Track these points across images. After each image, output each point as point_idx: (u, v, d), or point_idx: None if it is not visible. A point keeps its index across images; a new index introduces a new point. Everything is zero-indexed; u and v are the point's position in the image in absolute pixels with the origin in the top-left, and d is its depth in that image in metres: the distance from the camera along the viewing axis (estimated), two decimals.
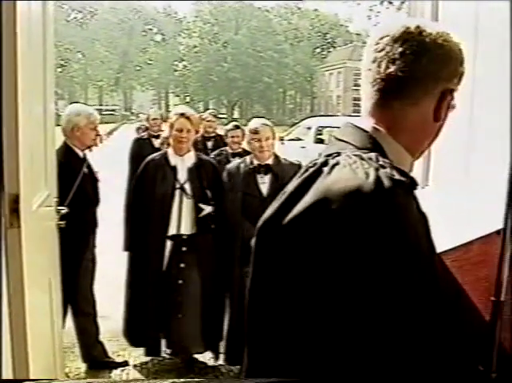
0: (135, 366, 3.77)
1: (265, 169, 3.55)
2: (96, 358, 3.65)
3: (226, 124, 5.62)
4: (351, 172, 0.97)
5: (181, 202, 3.51)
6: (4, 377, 1.58)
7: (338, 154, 1.03)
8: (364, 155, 1.01)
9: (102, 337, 3.74)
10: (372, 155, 1.01)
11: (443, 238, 2.24)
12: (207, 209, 3.53)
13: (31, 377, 1.96)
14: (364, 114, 1.13)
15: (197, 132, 3.69)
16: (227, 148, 5.07)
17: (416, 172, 2.79)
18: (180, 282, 3.52)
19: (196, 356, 3.80)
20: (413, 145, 1.10)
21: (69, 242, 2.90)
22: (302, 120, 20.58)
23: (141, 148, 5.73)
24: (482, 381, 0.95)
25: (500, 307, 0.89)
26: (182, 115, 3.54)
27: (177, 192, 3.51)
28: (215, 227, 3.57)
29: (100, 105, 68.01)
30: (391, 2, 25.24)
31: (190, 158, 3.62)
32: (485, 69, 1.96)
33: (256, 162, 3.57)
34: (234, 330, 3.50)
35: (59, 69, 53.70)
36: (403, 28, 1.06)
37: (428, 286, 0.94)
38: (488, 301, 1.16)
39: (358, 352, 0.90)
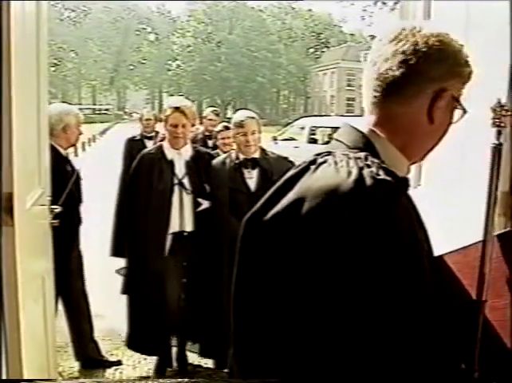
0: (128, 365, 3.77)
1: (252, 164, 3.41)
2: (90, 357, 3.64)
3: (220, 122, 5.51)
4: (334, 171, 0.99)
5: (181, 198, 3.38)
6: None
7: (329, 153, 1.04)
8: (353, 155, 1.02)
9: (96, 336, 3.74)
10: (362, 154, 1.01)
11: (434, 238, 2.26)
12: (205, 204, 3.41)
13: (24, 377, 1.95)
14: (365, 115, 1.14)
15: (193, 125, 3.52)
16: (217, 150, 4.81)
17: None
18: (184, 280, 3.44)
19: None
20: (408, 147, 1.09)
21: (56, 241, 2.90)
22: (296, 119, 20.58)
23: (134, 149, 5.70)
24: (465, 379, 0.96)
25: (482, 307, 0.91)
26: (176, 109, 3.35)
27: (176, 188, 3.38)
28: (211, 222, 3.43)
29: (94, 105, 67.97)
30: (384, 3, 25.34)
31: (187, 151, 3.48)
32: (477, 68, 1.97)
33: (242, 156, 3.42)
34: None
35: (52, 68, 53.52)
36: (398, 29, 1.07)
37: (408, 286, 0.94)
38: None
39: (340, 347, 0.91)
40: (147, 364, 3.73)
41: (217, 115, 6.17)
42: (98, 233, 5.17)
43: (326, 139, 14.85)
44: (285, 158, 3.54)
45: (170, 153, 3.43)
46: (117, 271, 4.29)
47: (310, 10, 74.26)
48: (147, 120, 6.22)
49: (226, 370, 3.34)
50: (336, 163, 1.00)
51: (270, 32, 70.11)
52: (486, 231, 0.95)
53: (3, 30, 1.73)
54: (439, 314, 0.98)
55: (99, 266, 3.92)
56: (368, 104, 1.12)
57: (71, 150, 3.74)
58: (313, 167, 1.03)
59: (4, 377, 1.78)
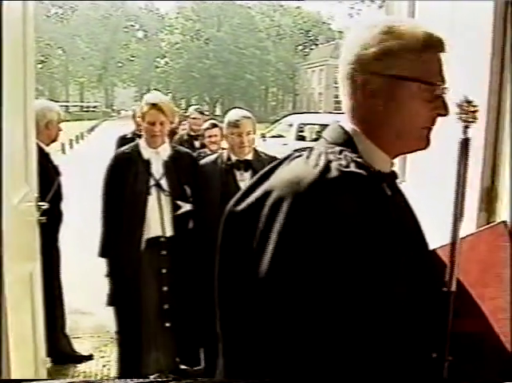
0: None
1: (245, 165, 3.22)
2: (62, 352, 3.62)
3: (205, 121, 5.42)
4: (303, 163, 1.03)
5: (158, 200, 3.12)
6: None
7: (311, 149, 1.08)
8: (329, 150, 1.05)
9: (83, 333, 3.73)
10: (337, 149, 1.05)
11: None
12: (185, 207, 3.16)
13: (12, 373, 1.96)
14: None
15: (171, 122, 3.24)
16: (205, 149, 4.63)
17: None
18: (165, 289, 3.17)
19: None
20: (379, 139, 1.10)
21: (42, 237, 2.90)
22: (284, 117, 20.62)
23: None
24: (436, 367, 0.97)
25: (450, 297, 0.92)
26: (153, 106, 3.09)
27: (153, 190, 3.12)
28: (195, 226, 3.21)
29: (82, 102, 67.52)
30: (372, 0, 25.42)
31: (165, 150, 3.21)
32: (461, 66, 2.01)
33: (234, 157, 3.24)
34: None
35: (39, 65, 53.10)
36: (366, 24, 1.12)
37: (356, 275, 0.96)
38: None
39: (307, 336, 0.94)
40: None
41: (201, 113, 5.99)
42: (85, 230, 5.17)
43: (314, 136, 14.89)
44: (278, 158, 3.43)
45: (146, 152, 3.17)
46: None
47: (299, 8, 74.30)
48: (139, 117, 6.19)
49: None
50: (308, 157, 1.05)
51: (259, 29, 70.02)
52: (455, 225, 0.97)
53: None
54: (404, 305, 1.00)
55: (87, 263, 3.91)
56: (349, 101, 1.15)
57: (58, 147, 3.73)
58: (287, 160, 1.08)
59: None
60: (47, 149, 3.55)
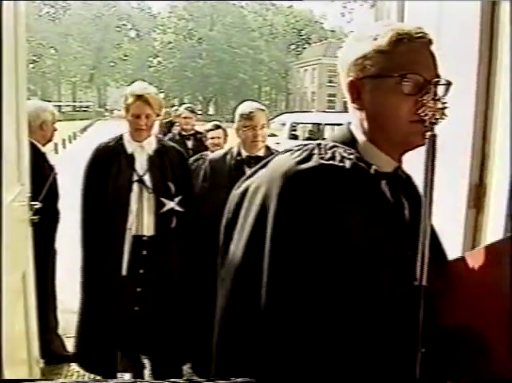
0: None
1: (256, 162, 2.97)
2: (55, 353, 3.62)
3: (199, 120, 5.38)
4: (287, 155, 1.09)
5: (141, 197, 2.92)
6: None
7: (307, 144, 1.13)
8: (322, 145, 1.10)
9: (72, 332, 3.72)
10: (330, 144, 1.10)
11: None
12: (170, 204, 2.95)
13: (5, 373, 1.97)
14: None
15: (158, 115, 3.00)
16: (207, 152, 4.32)
17: None
18: (139, 289, 2.96)
19: None
20: (374, 139, 1.11)
21: (35, 236, 2.91)
22: (277, 116, 20.65)
23: None
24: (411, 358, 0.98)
25: (422, 291, 0.94)
26: (139, 97, 2.86)
27: (135, 186, 2.92)
28: (183, 226, 3.01)
29: (74, 102, 67.26)
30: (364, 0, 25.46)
31: (150, 144, 3.00)
32: (448, 68, 2.03)
33: (245, 153, 3.05)
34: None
35: (31, 65, 52.88)
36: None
37: (336, 278, 0.99)
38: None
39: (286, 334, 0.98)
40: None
41: (192, 112, 5.83)
42: (78, 229, 5.15)
43: (307, 135, 14.93)
44: None
45: (130, 146, 2.98)
46: None
47: (291, 7, 74.33)
48: None
49: None
50: (298, 150, 1.10)
51: (251, 28, 69.99)
52: (425, 220, 0.97)
53: None
54: (379, 300, 1.01)
55: (79, 262, 3.90)
56: None
57: (51, 147, 3.73)
58: (281, 153, 1.14)
59: None
60: (43, 149, 3.56)
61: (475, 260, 1.14)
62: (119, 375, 3.10)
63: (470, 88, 1.91)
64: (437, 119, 1.01)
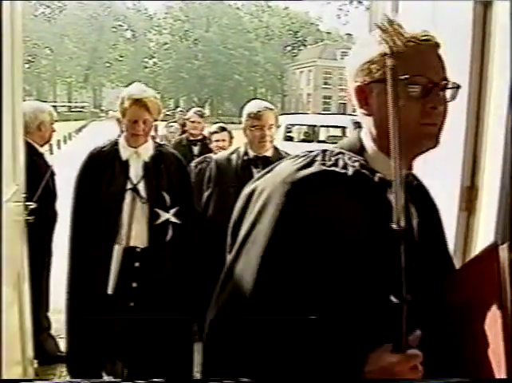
0: None
1: (263, 162, 2.86)
2: (48, 353, 3.61)
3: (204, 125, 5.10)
4: (290, 161, 1.10)
5: (133, 206, 2.74)
6: None
7: (313, 150, 1.14)
8: (328, 151, 1.10)
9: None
10: (336, 151, 1.10)
11: None
12: (164, 215, 2.76)
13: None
14: None
15: (155, 119, 2.82)
16: (211, 154, 4.10)
17: None
18: (132, 304, 2.78)
19: None
20: (382, 145, 1.08)
21: (32, 236, 2.91)
22: None
23: None
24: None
25: (401, 235, 0.93)
26: (137, 101, 2.68)
27: (128, 194, 2.73)
28: (179, 238, 2.81)
29: (69, 102, 67.08)
30: (360, 2, 25.54)
31: (146, 150, 2.81)
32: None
33: (252, 153, 2.93)
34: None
35: (26, 65, 52.67)
36: None
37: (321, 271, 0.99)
38: None
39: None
40: None
41: (201, 116, 5.36)
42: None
43: (302, 136, 14.94)
44: None
45: (125, 152, 2.79)
46: None
47: (287, 8, 74.38)
48: None
49: None
50: (302, 156, 1.10)
51: (247, 30, 70.04)
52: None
53: None
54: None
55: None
56: None
57: (46, 148, 3.73)
58: (287, 158, 1.15)
59: None
60: (41, 149, 3.55)
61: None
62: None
63: (462, 90, 1.93)
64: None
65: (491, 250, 1.07)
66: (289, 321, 0.97)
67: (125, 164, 2.77)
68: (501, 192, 1.76)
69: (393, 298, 0.93)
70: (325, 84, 60.73)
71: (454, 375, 1.05)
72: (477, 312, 1.03)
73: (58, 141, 21.01)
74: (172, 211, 2.78)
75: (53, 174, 3.60)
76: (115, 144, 2.83)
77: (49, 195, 3.48)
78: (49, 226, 3.54)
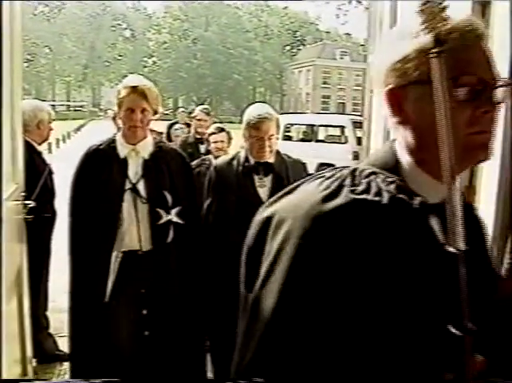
0: None
1: (265, 169, 2.75)
2: (47, 352, 3.62)
3: (212, 123, 5.07)
4: (315, 185, 0.91)
5: (135, 207, 2.58)
6: None
7: (341, 169, 0.96)
8: (358, 171, 0.92)
9: (64, 332, 3.72)
10: (367, 170, 0.92)
11: None
12: (167, 216, 2.61)
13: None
14: None
15: (155, 112, 2.63)
16: (210, 156, 4.04)
17: None
18: (145, 312, 2.64)
19: None
20: (421, 157, 0.91)
21: (32, 234, 2.92)
22: None
23: None
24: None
25: (460, 259, 0.81)
26: (134, 89, 2.52)
27: (127, 195, 2.58)
28: (183, 239, 2.67)
29: (68, 101, 67.05)
30: (359, 1, 25.54)
31: (145, 147, 2.65)
32: None
33: (253, 160, 2.77)
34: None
35: (25, 64, 52.61)
36: None
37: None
38: None
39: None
40: None
41: (207, 114, 5.23)
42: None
43: (301, 136, 14.94)
44: (303, 163, 2.95)
45: (123, 150, 2.63)
46: None
47: (286, 8, 74.44)
48: None
49: None
50: (328, 177, 0.92)
51: (246, 29, 70.03)
52: None
53: None
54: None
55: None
56: None
57: (45, 146, 3.75)
58: (311, 179, 0.96)
59: None
60: (39, 148, 3.58)
61: None
62: None
63: None
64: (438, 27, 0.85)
65: None
66: (333, 363, 0.84)
67: (123, 163, 2.62)
68: (498, 192, 1.77)
69: (453, 329, 0.80)
70: (324, 83, 60.75)
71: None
72: None
73: (57, 140, 21.01)
74: (174, 210, 2.63)
75: (51, 172, 3.61)
76: (112, 141, 2.67)
77: (48, 193, 3.49)
78: (48, 224, 3.55)
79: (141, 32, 70.24)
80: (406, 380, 0.85)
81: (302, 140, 14.10)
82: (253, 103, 2.90)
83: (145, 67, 68.32)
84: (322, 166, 13.17)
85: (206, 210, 2.85)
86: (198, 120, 5.15)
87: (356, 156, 11.46)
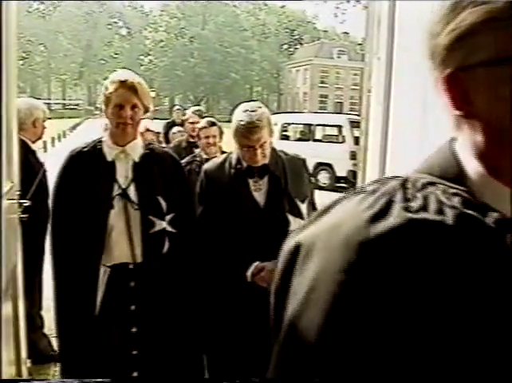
0: None
1: (260, 171, 2.52)
2: (42, 352, 3.59)
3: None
4: (357, 202, 0.68)
5: (123, 215, 2.34)
6: None
7: (389, 180, 0.73)
8: (411, 181, 0.69)
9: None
10: (422, 179, 0.69)
11: None
12: (161, 224, 2.38)
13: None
14: None
15: (146, 110, 2.38)
16: (201, 152, 3.83)
17: (373, 163, 2.89)
18: (134, 330, 2.39)
19: None
20: (495, 161, 0.68)
21: (26, 233, 2.90)
22: None
23: None
24: None
25: None
26: (122, 83, 2.28)
27: (117, 201, 2.34)
28: (177, 250, 2.45)
29: (64, 99, 66.92)
30: (357, 0, 25.57)
31: (135, 148, 2.41)
32: None
33: (245, 163, 2.53)
34: None
35: (20, 62, 52.47)
36: None
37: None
38: None
39: None
40: None
41: (200, 116, 4.83)
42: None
43: (298, 135, 14.95)
44: (301, 159, 2.72)
45: (111, 152, 2.39)
46: None
47: (284, 7, 74.51)
48: None
49: None
50: (372, 192, 0.69)
51: (244, 28, 70.04)
52: None
53: None
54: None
55: None
56: None
57: (40, 145, 3.74)
58: (352, 195, 0.72)
59: None
60: (33, 146, 3.57)
61: None
62: None
63: None
64: None
65: None
66: None
67: (111, 166, 2.38)
68: None
69: None
70: (322, 82, 60.78)
71: None
72: None
73: (52, 139, 20.97)
74: (168, 217, 2.41)
75: (45, 171, 3.60)
76: (98, 143, 2.43)
77: (42, 192, 3.47)
78: (42, 223, 3.53)
79: (138, 30, 70.16)
80: None
81: (299, 140, 14.12)
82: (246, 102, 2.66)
83: (141, 65, 68.22)
84: (319, 165, 13.26)
85: (199, 219, 2.60)
86: (192, 123, 4.75)
87: (353, 156, 11.47)
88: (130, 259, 2.38)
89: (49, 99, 59.25)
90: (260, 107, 2.49)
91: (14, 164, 2.67)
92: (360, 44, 52.86)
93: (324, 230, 0.68)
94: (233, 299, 2.52)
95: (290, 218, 2.49)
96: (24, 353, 2.83)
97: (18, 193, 2.73)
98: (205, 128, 3.80)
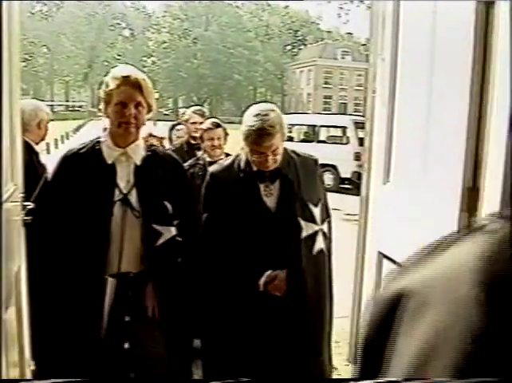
0: None
1: (271, 175, 2.36)
2: None
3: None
4: (481, 233, 0.51)
5: (124, 222, 2.18)
6: None
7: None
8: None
9: None
10: None
11: (400, 235, 2.33)
12: (167, 233, 2.24)
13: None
14: None
15: (150, 108, 2.21)
16: (204, 155, 3.65)
17: (377, 168, 2.89)
18: (126, 345, 2.23)
19: None
20: None
21: (30, 236, 2.90)
22: None
23: None
24: None
25: None
26: (125, 79, 2.12)
27: (117, 207, 2.18)
28: (183, 260, 2.32)
29: (67, 101, 67.05)
30: (361, 1, 25.55)
31: (137, 150, 2.26)
32: (443, 67, 2.04)
33: (255, 167, 2.37)
34: None
35: (23, 64, 52.64)
36: None
37: None
38: None
39: None
40: None
41: (202, 116, 4.47)
42: None
43: (302, 137, 14.95)
44: (314, 159, 2.58)
45: (111, 154, 2.23)
46: None
47: (287, 7, 74.48)
48: None
49: None
50: (494, 231, 0.50)
51: (247, 29, 70.06)
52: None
53: None
54: None
55: None
56: None
57: (43, 147, 3.76)
58: (470, 235, 0.54)
59: None
60: (37, 148, 3.58)
61: None
62: None
63: (463, 91, 1.91)
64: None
65: None
66: None
67: (111, 169, 2.22)
68: (502, 193, 1.75)
69: None
70: (326, 83, 60.70)
71: None
72: None
73: (56, 140, 21.02)
74: (173, 225, 2.29)
75: (47, 173, 3.61)
76: (96, 144, 2.25)
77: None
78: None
79: (141, 31, 70.27)
80: None
81: (303, 141, 14.12)
82: (253, 103, 2.51)
83: (145, 67, 68.26)
84: (324, 167, 13.24)
85: (205, 225, 2.44)
86: (193, 123, 4.38)
87: (357, 157, 11.45)
88: (129, 268, 2.25)
89: (52, 101, 59.42)
90: (273, 110, 2.31)
91: (18, 166, 2.67)
92: (364, 44, 52.83)
93: (439, 277, 0.53)
94: (243, 309, 2.37)
95: (302, 223, 2.35)
96: (27, 355, 2.82)
97: (22, 195, 2.73)
98: (210, 129, 3.62)
